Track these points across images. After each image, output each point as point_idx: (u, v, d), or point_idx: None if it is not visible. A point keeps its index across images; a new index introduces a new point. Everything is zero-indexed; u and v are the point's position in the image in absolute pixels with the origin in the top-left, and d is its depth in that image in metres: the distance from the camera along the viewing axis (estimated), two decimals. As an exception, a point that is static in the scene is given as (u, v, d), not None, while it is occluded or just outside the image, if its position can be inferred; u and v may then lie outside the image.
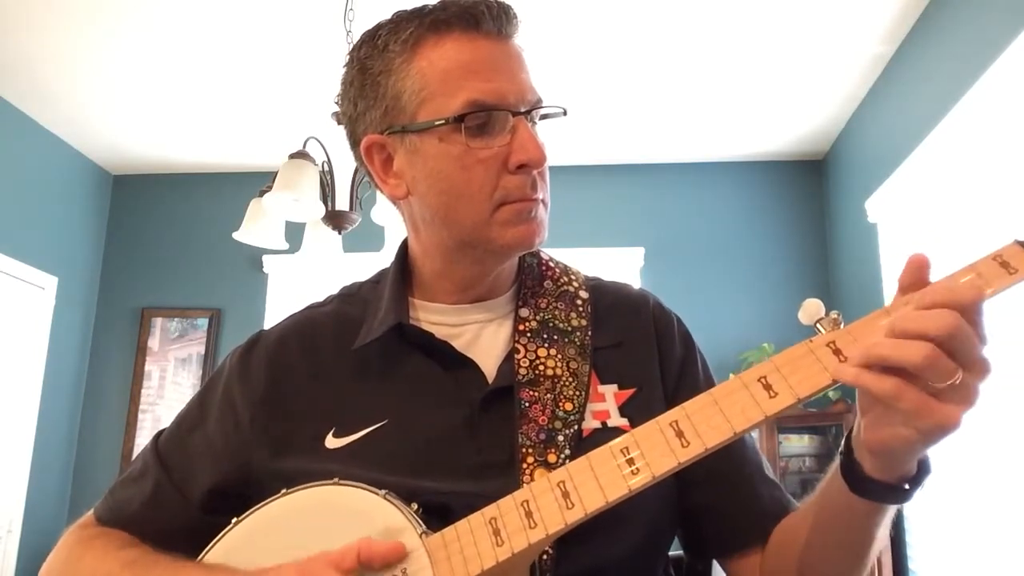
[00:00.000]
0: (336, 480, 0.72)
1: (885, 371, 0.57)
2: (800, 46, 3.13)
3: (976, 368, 0.57)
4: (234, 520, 0.76)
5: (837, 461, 0.68)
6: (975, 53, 2.46)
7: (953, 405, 0.57)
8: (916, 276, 0.62)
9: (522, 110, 0.78)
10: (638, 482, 0.64)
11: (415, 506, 0.70)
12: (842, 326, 0.65)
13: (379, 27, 0.82)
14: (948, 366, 0.56)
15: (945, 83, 2.68)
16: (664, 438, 0.64)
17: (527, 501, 0.66)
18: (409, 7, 0.82)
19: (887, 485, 0.64)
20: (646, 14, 2.93)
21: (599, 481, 0.64)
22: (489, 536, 0.65)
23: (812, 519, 0.74)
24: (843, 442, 0.67)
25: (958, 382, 0.56)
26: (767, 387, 0.64)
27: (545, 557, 0.71)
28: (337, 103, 0.88)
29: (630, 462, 0.65)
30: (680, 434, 0.64)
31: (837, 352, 0.63)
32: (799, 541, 0.76)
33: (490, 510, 0.67)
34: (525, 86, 0.80)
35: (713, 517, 0.83)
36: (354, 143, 0.86)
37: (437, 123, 0.77)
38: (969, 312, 0.56)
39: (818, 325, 0.66)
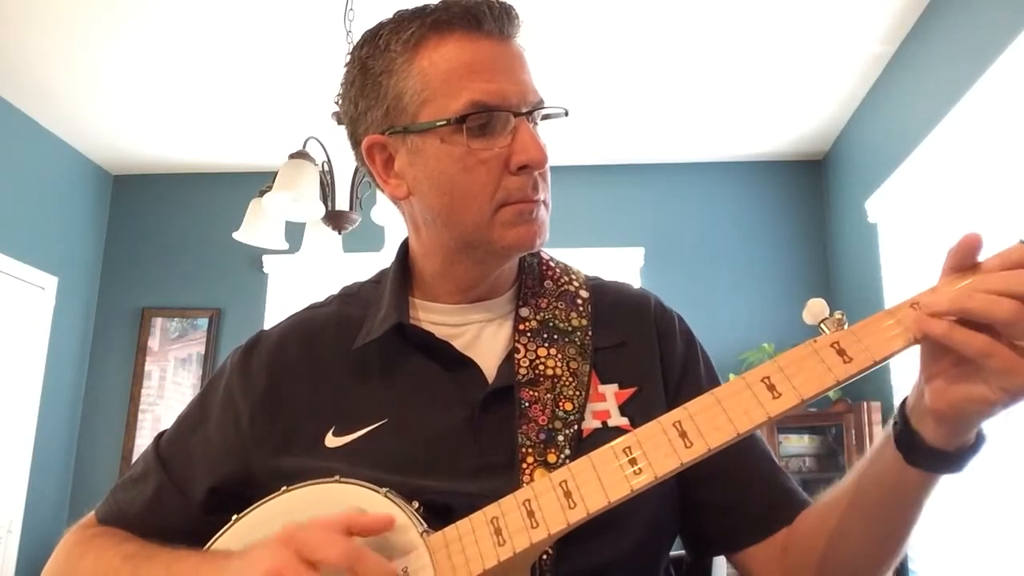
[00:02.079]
0: (337, 478, 0.72)
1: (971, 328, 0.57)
2: (800, 46, 3.13)
3: None
4: (234, 517, 0.76)
5: (889, 433, 0.67)
6: (975, 53, 2.46)
7: None
8: (970, 257, 0.61)
9: (523, 111, 0.78)
10: (640, 482, 0.63)
11: (416, 504, 0.70)
12: (846, 326, 0.64)
13: (381, 27, 0.82)
14: None
15: (945, 83, 2.68)
16: (667, 438, 0.64)
17: (529, 500, 0.65)
18: (409, 7, 0.82)
19: (945, 454, 0.63)
20: (646, 14, 2.93)
21: (601, 481, 0.64)
22: (491, 535, 0.65)
23: (848, 504, 0.73)
24: (897, 413, 0.67)
25: None
26: (771, 387, 0.63)
27: (545, 556, 0.71)
28: (337, 103, 0.88)
29: (632, 462, 0.64)
30: (683, 434, 0.64)
31: (841, 353, 0.62)
32: (828, 531, 0.74)
33: (491, 509, 0.67)
34: (527, 87, 0.79)
35: (723, 511, 0.82)
36: (355, 143, 0.86)
37: (438, 123, 0.77)
38: None
39: (822, 325, 0.65)
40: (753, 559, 0.82)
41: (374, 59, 0.81)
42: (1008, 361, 0.56)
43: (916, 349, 0.62)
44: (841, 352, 0.63)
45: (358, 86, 0.83)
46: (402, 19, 0.81)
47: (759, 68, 3.30)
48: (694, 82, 3.42)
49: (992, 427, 0.63)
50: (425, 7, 0.81)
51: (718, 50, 3.17)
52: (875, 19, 2.95)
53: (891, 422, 0.68)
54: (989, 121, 2.42)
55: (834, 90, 3.49)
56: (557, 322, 0.85)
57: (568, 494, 0.65)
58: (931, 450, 0.64)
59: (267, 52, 3.19)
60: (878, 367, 0.62)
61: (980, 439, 0.64)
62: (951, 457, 0.64)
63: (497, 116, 0.77)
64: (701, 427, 0.64)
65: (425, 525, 0.68)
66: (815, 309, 0.66)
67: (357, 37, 0.85)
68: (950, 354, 0.60)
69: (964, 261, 0.61)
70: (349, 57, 0.86)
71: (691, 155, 4.17)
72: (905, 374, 3.07)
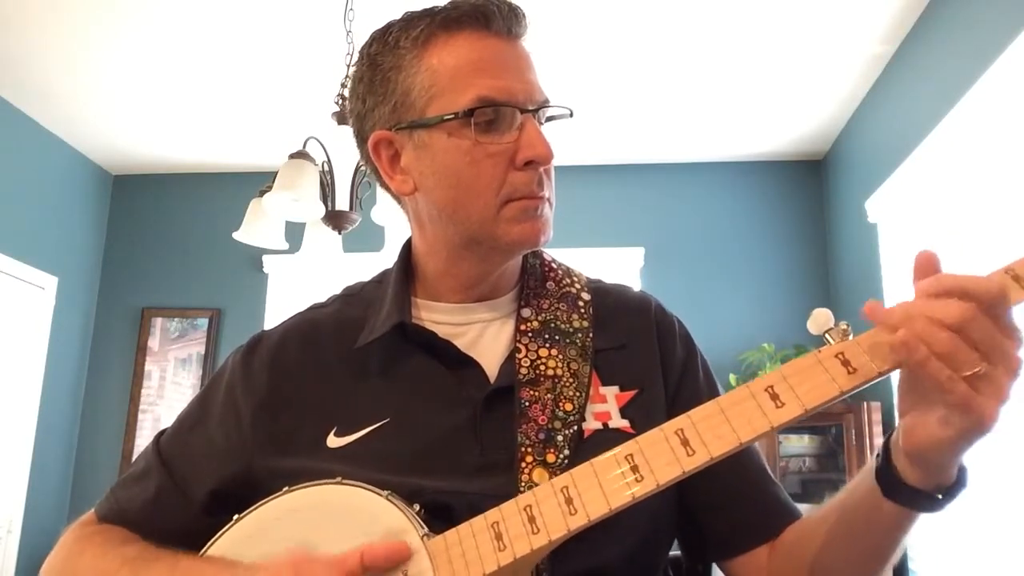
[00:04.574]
0: (339, 479, 0.72)
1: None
2: (800, 46, 3.13)
3: (999, 360, 0.56)
4: (235, 517, 0.76)
5: (871, 463, 0.67)
6: (975, 53, 2.45)
7: (985, 398, 0.56)
8: (928, 275, 0.60)
9: (530, 108, 0.79)
10: (641, 490, 0.63)
11: (417, 507, 0.70)
12: (851, 337, 0.64)
13: (390, 25, 0.83)
14: (969, 356, 0.56)
15: (945, 83, 2.68)
16: (669, 446, 0.64)
17: (530, 506, 0.66)
18: (412, 7, 0.83)
19: (921, 492, 0.63)
20: (647, 15, 2.93)
21: (603, 488, 0.64)
22: (491, 540, 0.65)
23: (834, 521, 0.73)
24: (881, 445, 0.67)
25: (982, 372, 0.56)
26: (774, 397, 0.63)
27: (544, 556, 0.71)
28: (338, 103, 0.88)
29: (634, 469, 0.64)
30: (685, 442, 0.64)
31: (846, 363, 0.62)
32: (816, 543, 0.75)
33: (492, 514, 0.67)
34: (533, 86, 0.80)
35: (715, 517, 0.83)
36: (361, 140, 0.87)
37: (446, 118, 0.78)
38: (989, 306, 0.56)
39: (827, 335, 0.65)
40: (741, 568, 0.82)
41: (383, 56, 0.82)
42: (963, 391, 0.56)
43: None
44: (846, 363, 0.62)
45: (366, 82, 0.84)
46: (412, 17, 0.82)
47: (759, 68, 3.30)
48: (694, 82, 3.42)
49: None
50: (434, 6, 0.82)
51: (718, 50, 3.17)
52: (875, 19, 2.95)
53: (877, 452, 0.68)
54: (989, 121, 2.41)
55: (834, 90, 3.48)
56: (558, 323, 0.85)
57: (569, 500, 0.64)
58: (907, 487, 0.64)
59: (267, 52, 3.19)
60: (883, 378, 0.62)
61: (960, 483, 0.64)
62: (928, 496, 0.63)
63: (504, 112, 0.77)
64: (704, 435, 0.64)
65: (426, 529, 0.68)
66: (820, 319, 0.65)
67: (357, 37, 0.86)
68: (917, 390, 0.60)
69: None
70: (358, 55, 0.87)
71: (691, 155, 4.17)
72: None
